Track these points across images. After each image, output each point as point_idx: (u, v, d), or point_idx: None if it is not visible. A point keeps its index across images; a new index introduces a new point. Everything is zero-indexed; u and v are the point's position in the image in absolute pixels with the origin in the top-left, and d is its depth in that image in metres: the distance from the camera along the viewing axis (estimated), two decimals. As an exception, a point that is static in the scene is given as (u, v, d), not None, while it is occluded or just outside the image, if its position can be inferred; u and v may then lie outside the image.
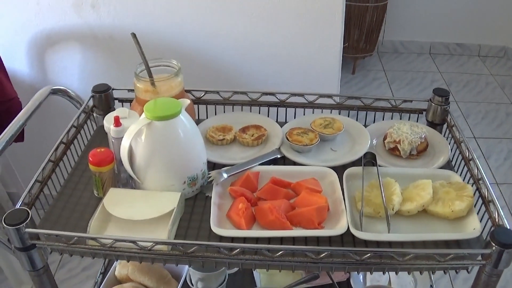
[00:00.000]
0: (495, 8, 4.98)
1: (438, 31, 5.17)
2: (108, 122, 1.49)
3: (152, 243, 1.22)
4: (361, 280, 1.87)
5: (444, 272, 1.30)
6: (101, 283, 1.81)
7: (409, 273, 1.32)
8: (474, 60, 5.18)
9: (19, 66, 2.64)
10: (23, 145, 2.58)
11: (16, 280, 2.67)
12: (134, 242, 1.22)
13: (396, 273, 1.31)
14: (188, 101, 1.48)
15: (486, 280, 1.27)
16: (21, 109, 2.43)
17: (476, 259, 1.25)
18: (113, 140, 1.46)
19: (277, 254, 1.21)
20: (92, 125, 1.75)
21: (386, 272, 1.87)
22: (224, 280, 1.77)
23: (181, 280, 1.78)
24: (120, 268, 1.79)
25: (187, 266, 1.79)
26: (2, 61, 2.40)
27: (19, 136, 2.47)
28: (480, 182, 1.46)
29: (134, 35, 1.54)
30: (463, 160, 1.58)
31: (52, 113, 2.65)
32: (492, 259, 1.22)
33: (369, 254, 1.21)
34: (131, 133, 1.37)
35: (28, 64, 2.64)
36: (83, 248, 1.27)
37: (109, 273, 1.82)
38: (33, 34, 2.54)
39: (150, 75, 1.56)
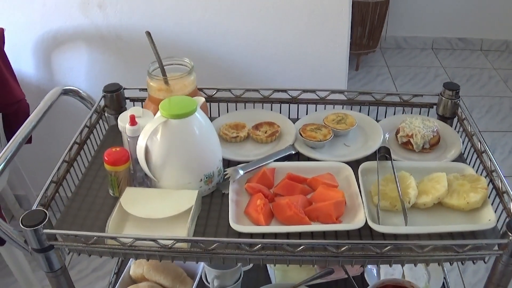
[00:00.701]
0: (496, 3, 4.99)
1: (440, 26, 5.17)
2: (122, 121, 1.50)
3: (172, 241, 1.22)
4: (375, 274, 1.87)
5: (462, 263, 1.30)
6: (115, 283, 1.81)
7: (427, 265, 1.33)
8: (477, 54, 5.18)
9: (25, 67, 2.65)
10: (30, 147, 2.58)
11: (26, 283, 2.67)
12: (154, 240, 1.22)
13: (415, 265, 1.31)
14: (202, 99, 1.49)
15: (503, 270, 1.28)
16: (29, 111, 2.45)
17: (492, 250, 1.25)
18: (128, 139, 1.46)
19: (298, 249, 1.21)
20: (104, 125, 1.75)
21: (399, 266, 1.88)
22: (239, 277, 1.78)
23: (197, 278, 1.79)
24: (135, 267, 1.80)
25: (202, 264, 1.79)
26: (9, 63, 2.41)
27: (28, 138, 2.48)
28: (494, 174, 1.46)
29: (148, 33, 1.54)
30: (475, 153, 1.59)
31: (58, 114, 2.66)
32: (509, 249, 1.23)
33: (389, 247, 1.21)
34: (147, 131, 1.37)
35: (35, 65, 2.65)
36: (102, 248, 1.27)
37: (123, 273, 1.82)
38: (39, 35, 2.55)
39: (163, 73, 1.57)
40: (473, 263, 1.32)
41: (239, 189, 1.46)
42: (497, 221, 1.33)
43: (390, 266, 1.29)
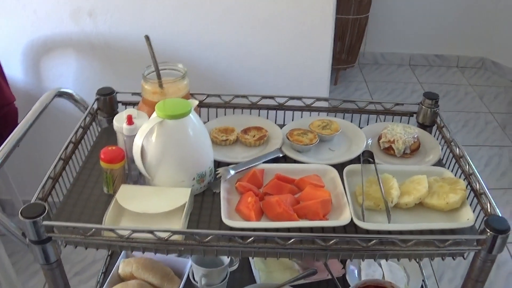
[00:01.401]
0: (473, 21, 5.10)
1: (418, 43, 5.28)
2: (118, 121, 1.56)
3: (169, 233, 1.28)
4: (357, 275, 1.94)
5: (442, 259, 1.37)
6: (103, 283, 1.85)
7: (410, 260, 1.39)
8: (453, 71, 5.30)
9: (14, 72, 2.69)
10: (17, 151, 2.61)
11: (9, 285, 2.69)
12: (151, 232, 1.28)
13: (398, 260, 1.39)
14: (196, 102, 1.55)
15: (481, 266, 1.36)
16: (17, 115, 2.48)
17: (472, 245, 1.33)
18: (125, 138, 1.52)
19: (288, 242, 1.27)
20: (96, 127, 1.81)
21: (380, 268, 1.95)
22: (226, 276, 1.83)
23: (184, 277, 1.84)
24: (124, 266, 1.84)
25: (189, 263, 1.85)
26: (1, 66, 2.44)
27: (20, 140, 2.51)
28: (472, 176, 1.54)
29: (147, 37, 1.60)
30: (453, 158, 1.67)
31: (45, 120, 2.69)
32: (487, 244, 1.31)
33: (374, 241, 1.28)
34: (144, 131, 1.43)
35: (24, 70, 2.69)
36: (99, 240, 1.33)
37: (112, 271, 1.87)
38: (29, 41, 2.59)
39: (159, 76, 1.63)
40: (453, 259, 1.39)
41: (230, 188, 1.53)
42: (475, 221, 1.41)
43: (375, 260, 1.36)
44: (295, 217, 1.40)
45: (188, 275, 1.84)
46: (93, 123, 1.80)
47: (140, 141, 1.44)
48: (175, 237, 1.31)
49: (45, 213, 1.30)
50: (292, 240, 1.28)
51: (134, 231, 1.29)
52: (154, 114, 1.45)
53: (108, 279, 1.82)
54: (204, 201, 1.50)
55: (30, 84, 2.73)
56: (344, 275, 1.93)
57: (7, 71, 2.60)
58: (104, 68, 2.64)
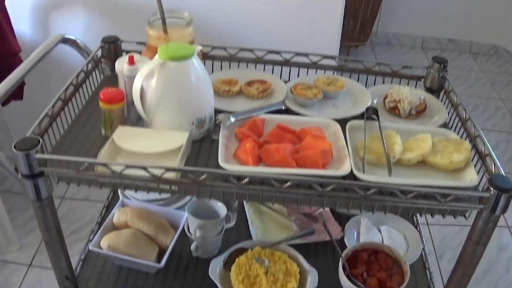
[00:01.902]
0: (488, 7, 5.04)
1: (431, 26, 5.23)
2: (120, 64, 1.53)
3: (162, 170, 1.25)
4: (355, 239, 1.91)
5: (443, 217, 1.34)
6: (97, 232, 1.83)
7: (409, 214, 1.36)
8: (465, 56, 5.25)
9: (22, 26, 2.67)
10: (21, 105, 2.60)
11: (5, 240, 2.69)
12: (145, 168, 1.25)
13: (397, 214, 1.34)
14: (199, 47, 1.53)
15: (483, 227, 1.32)
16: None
17: (474, 204, 1.29)
18: (125, 79, 1.50)
19: (285, 185, 1.24)
20: (99, 75, 1.79)
21: (379, 233, 1.92)
22: (221, 230, 1.81)
23: (179, 228, 1.81)
24: (119, 214, 1.82)
25: (185, 216, 1.82)
26: (9, 17, 2.42)
27: (18, 93, 2.50)
28: (477, 139, 1.51)
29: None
30: (460, 121, 1.64)
31: (50, 73, 2.68)
32: (490, 203, 1.27)
33: (373, 190, 1.25)
34: (144, 71, 1.41)
35: (32, 25, 2.67)
36: (92, 176, 1.30)
37: (106, 220, 1.84)
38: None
39: (163, 22, 1.60)
40: (454, 217, 1.35)
41: (229, 135, 1.50)
42: (479, 183, 1.37)
43: (373, 212, 1.32)
44: (293, 164, 1.37)
45: (184, 228, 1.81)
46: (97, 71, 1.77)
47: (140, 82, 1.41)
48: (169, 176, 1.28)
49: (38, 146, 1.28)
50: (289, 183, 1.25)
51: (127, 166, 1.26)
52: (156, 56, 1.43)
53: (102, 228, 1.80)
54: (202, 147, 1.47)
55: (37, 39, 2.70)
56: (342, 238, 1.90)
57: (15, 25, 2.58)
58: (113, 24, 2.62)
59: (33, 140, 1.29)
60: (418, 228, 2.00)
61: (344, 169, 1.35)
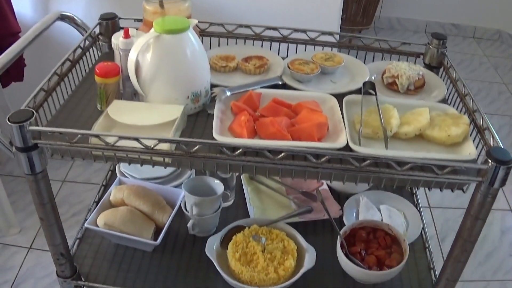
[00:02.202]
0: (492, -8, 5.02)
1: (435, 11, 5.19)
2: (116, 38, 1.53)
3: (155, 141, 1.24)
4: (354, 218, 1.90)
5: (440, 190, 1.32)
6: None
7: (406, 187, 1.34)
8: (469, 41, 5.21)
9: (24, 9, 2.66)
10: (21, 87, 2.59)
11: (5, 223, 2.69)
12: (137, 139, 1.24)
13: (394, 186, 1.32)
14: (195, 21, 1.51)
15: (482, 201, 1.29)
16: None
17: (472, 177, 1.27)
18: (120, 53, 1.49)
19: (279, 156, 1.23)
20: (97, 53, 1.77)
21: (378, 213, 1.91)
22: (218, 208, 1.79)
23: (176, 206, 1.80)
24: (115, 192, 1.80)
25: (182, 194, 1.81)
26: (10, -2, 2.42)
27: (19, 75, 2.49)
28: (476, 113, 1.49)
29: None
30: (458, 97, 1.62)
31: (51, 55, 2.67)
32: (488, 176, 1.24)
33: (368, 161, 1.23)
34: (139, 44, 1.40)
35: (33, 7, 2.65)
36: (85, 147, 1.28)
37: (103, 198, 1.83)
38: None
39: (160, -4, 1.59)
40: (452, 191, 1.33)
41: (224, 109, 1.49)
42: (477, 158, 1.35)
43: (369, 184, 1.30)
44: (288, 137, 1.35)
45: (180, 205, 1.80)
46: (94, 49, 1.76)
47: (135, 55, 1.40)
48: (162, 147, 1.26)
49: (32, 119, 1.26)
50: (283, 154, 1.23)
51: (120, 137, 1.24)
52: (152, 30, 1.41)
53: (98, 205, 1.79)
54: (197, 121, 1.46)
55: (38, 20, 2.66)
56: (341, 217, 1.89)
57: (16, 6, 2.56)
58: (113, 4, 2.60)
59: (27, 113, 1.28)
60: (418, 208, 1.99)
61: (340, 142, 1.34)
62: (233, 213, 1.92)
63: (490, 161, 1.24)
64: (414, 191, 2.08)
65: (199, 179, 1.81)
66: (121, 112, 1.40)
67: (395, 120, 1.42)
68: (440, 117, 1.47)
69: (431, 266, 1.77)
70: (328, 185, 2.02)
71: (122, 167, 1.96)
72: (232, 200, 1.97)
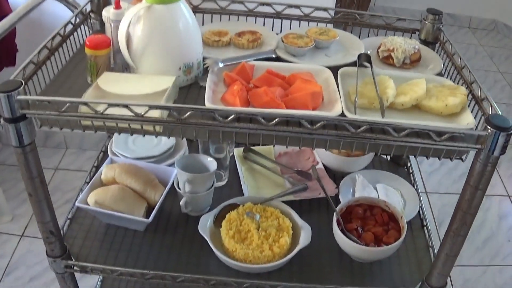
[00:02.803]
0: (487, -19, 5.00)
1: (430, 0, 5.15)
2: (107, 11, 1.50)
3: (146, 108, 1.21)
4: (350, 196, 1.87)
5: (439, 159, 1.28)
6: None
7: (404, 155, 1.31)
8: (464, 31, 5.20)
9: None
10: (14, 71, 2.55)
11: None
12: (127, 106, 1.20)
13: (391, 154, 1.29)
14: (187, -8, 1.48)
15: (481, 170, 1.26)
16: (15, 33, 2.43)
17: (471, 145, 1.24)
18: (111, 24, 1.46)
19: (272, 122, 1.20)
20: (89, 32, 1.74)
21: (375, 191, 1.88)
22: (211, 185, 1.76)
23: (169, 183, 1.77)
24: (106, 170, 1.77)
25: (174, 172, 1.78)
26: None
27: (11, 60, 2.46)
28: (473, 84, 1.46)
29: None
30: (455, 70, 1.59)
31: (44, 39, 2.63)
32: (487, 143, 1.21)
33: (364, 127, 1.20)
34: (130, 15, 1.37)
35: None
36: (74, 117, 1.25)
37: (94, 177, 1.79)
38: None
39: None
40: (451, 159, 1.30)
41: (217, 81, 1.45)
42: (476, 128, 1.32)
43: (365, 153, 1.27)
44: (282, 106, 1.32)
45: (173, 184, 1.77)
46: (86, 27, 1.73)
47: (126, 26, 1.38)
48: (153, 114, 1.22)
49: (20, 88, 1.23)
50: (277, 120, 1.19)
51: (110, 105, 1.21)
52: (143, 0, 1.39)
53: (89, 184, 1.75)
54: (189, 93, 1.43)
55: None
56: (337, 196, 1.86)
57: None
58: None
59: (15, 83, 1.24)
60: (415, 187, 1.96)
61: (335, 112, 1.31)
62: (227, 192, 1.89)
63: (489, 127, 1.20)
64: (410, 171, 2.06)
65: (192, 157, 1.78)
66: (112, 83, 1.36)
67: (391, 90, 1.39)
68: (437, 88, 1.44)
69: (430, 244, 1.74)
70: (323, 165, 1.98)
71: (114, 146, 1.93)
72: (226, 180, 1.93)
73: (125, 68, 1.48)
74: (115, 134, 1.98)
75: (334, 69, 1.51)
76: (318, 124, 1.20)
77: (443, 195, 3.03)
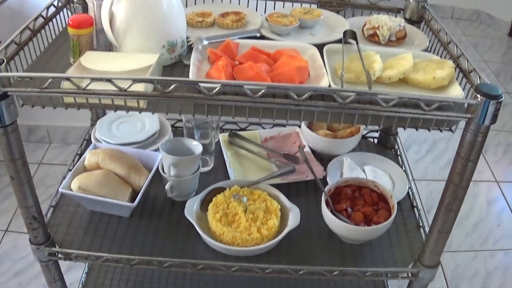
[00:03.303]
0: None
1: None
2: (91, -11, 1.47)
3: (129, 81, 1.17)
4: (338, 178, 1.85)
5: (428, 130, 1.26)
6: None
7: (393, 127, 1.28)
8: (447, 21, 5.20)
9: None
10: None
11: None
12: (110, 80, 1.17)
13: (379, 126, 1.26)
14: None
15: (472, 140, 1.23)
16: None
17: (461, 114, 1.21)
18: (94, 2, 1.43)
19: (259, 93, 1.17)
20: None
21: (363, 173, 1.86)
22: (197, 169, 1.73)
23: (154, 168, 1.73)
24: (90, 156, 1.73)
25: (159, 157, 1.74)
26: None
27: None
28: (460, 58, 1.44)
29: None
30: (441, 46, 1.57)
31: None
32: (478, 112, 1.18)
33: (352, 97, 1.17)
34: (112, -9, 1.34)
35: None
36: (56, 93, 1.21)
37: (77, 163, 1.75)
38: None
39: None
40: (440, 131, 1.28)
41: (201, 59, 1.43)
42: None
43: (354, 124, 1.24)
44: (268, 80, 1.29)
45: (158, 169, 1.74)
46: (69, 12, 1.69)
47: (108, 3, 1.36)
48: (137, 88, 1.19)
49: (2, 65, 1.19)
50: (263, 91, 1.17)
51: (92, 79, 1.17)
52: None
53: (72, 170, 1.72)
54: (173, 71, 1.41)
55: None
56: (324, 178, 1.84)
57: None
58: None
59: (-5, 60, 1.21)
60: (403, 168, 1.94)
61: (322, 85, 1.28)
62: (213, 177, 1.86)
63: (479, 96, 1.18)
64: (398, 153, 2.04)
65: (177, 141, 1.75)
66: (95, 61, 1.33)
67: (378, 64, 1.37)
68: (424, 63, 1.43)
69: (421, 224, 1.73)
70: (310, 148, 1.96)
71: (97, 133, 1.90)
72: (212, 165, 1.91)
73: (108, 48, 1.46)
74: (98, 122, 1.95)
75: (320, 47, 1.49)
76: (306, 95, 1.17)
77: (430, 182, 3.02)
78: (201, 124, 1.82)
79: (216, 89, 1.16)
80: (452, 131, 1.28)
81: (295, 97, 1.17)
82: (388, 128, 2.05)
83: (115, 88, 1.18)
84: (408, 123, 1.25)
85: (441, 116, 1.21)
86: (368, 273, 1.56)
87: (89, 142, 1.98)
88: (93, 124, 2.06)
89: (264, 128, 2.12)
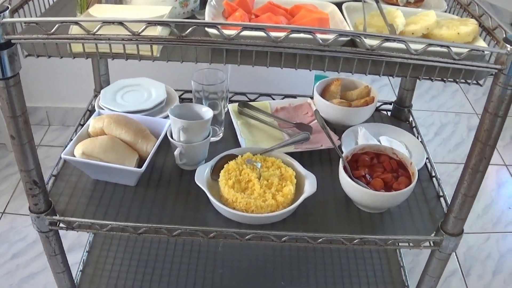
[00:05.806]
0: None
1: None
2: None
3: (143, 24, 1.10)
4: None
5: (456, 82, 1.20)
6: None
7: (419, 78, 1.20)
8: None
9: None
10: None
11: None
12: (122, 23, 1.09)
13: (407, 75, 1.18)
14: None
15: (501, 94, 1.17)
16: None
17: (491, 65, 1.15)
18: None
19: (281, 37, 1.09)
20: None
21: (378, 143, 1.79)
22: (207, 136, 1.65)
23: (162, 133, 1.66)
24: (94, 122, 1.64)
25: (167, 123, 1.67)
26: None
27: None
28: (482, 17, 1.37)
29: None
30: (461, 8, 1.50)
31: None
32: (507, 63, 1.12)
33: (380, 41, 1.10)
34: None
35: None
36: (64, 39, 1.13)
37: (81, 130, 1.67)
38: None
39: None
40: (468, 84, 1.21)
41: (216, 14, 1.36)
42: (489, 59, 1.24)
43: (380, 75, 1.16)
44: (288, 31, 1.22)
45: (166, 134, 1.66)
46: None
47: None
48: (150, 33, 1.12)
49: (6, 12, 1.11)
50: (287, 33, 1.09)
51: (104, 22, 1.10)
52: None
53: (75, 137, 1.63)
54: (186, 27, 1.33)
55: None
56: (339, 147, 1.76)
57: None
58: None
59: (1, 7, 1.12)
60: (419, 139, 1.88)
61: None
62: (223, 146, 1.79)
63: (508, 46, 1.11)
64: (413, 124, 1.98)
65: (186, 106, 1.67)
66: (104, 12, 1.26)
67: (401, 19, 1.31)
68: (446, 20, 1.37)
69: (441, 193, 1.66)
70: (323, 118, 1.89)
71: (102, 101, 1.82)
72: (221, 135, 1.83)
73: (117, 2, 1.38)
74: (102, 91, 1.87)
75: (338, 6, 1.42)
76: (332, 39, 1.10)
77: (438, 164, 2.96)
78: (210, 94, 1.74)
79: (236, 33, 1.09)
80: (480, 84, 1.21)
81: (320, 41, 1.10)
82: (403, 99, 1.99)
83: (127, 32, 1.10)
84: (437, 73, 1.18)
85: (470, 66, 1.14)
86: (389, 242, 1.49)
87: (92, 112, 1.90)
88: (96, 95, 1.98)
89: (274, 100, 2.05)
